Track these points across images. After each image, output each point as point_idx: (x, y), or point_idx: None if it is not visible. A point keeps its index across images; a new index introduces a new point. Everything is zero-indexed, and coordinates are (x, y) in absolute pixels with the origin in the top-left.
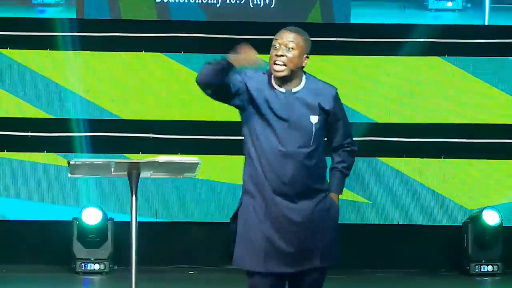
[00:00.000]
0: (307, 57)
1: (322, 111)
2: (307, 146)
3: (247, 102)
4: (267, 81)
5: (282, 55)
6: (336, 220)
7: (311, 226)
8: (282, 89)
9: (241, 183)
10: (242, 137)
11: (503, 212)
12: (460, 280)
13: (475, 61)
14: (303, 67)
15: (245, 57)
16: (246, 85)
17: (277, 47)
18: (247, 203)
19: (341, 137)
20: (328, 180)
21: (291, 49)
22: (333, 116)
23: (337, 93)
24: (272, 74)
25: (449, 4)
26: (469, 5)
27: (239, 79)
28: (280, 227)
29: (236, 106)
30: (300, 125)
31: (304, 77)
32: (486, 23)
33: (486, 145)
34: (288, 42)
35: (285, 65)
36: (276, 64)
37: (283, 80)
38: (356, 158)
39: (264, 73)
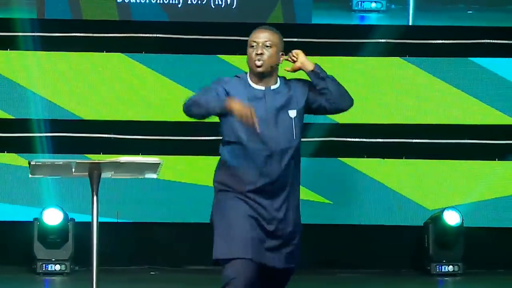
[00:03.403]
0: (283, 54)
1: (301, 102)
2: (290, 141)
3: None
4: (244, 82)
5: (261, 53)
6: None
7: (288, 225)
8: (261, 87)
9: (203, 183)
10: (214, 138)
11: (464, 212)
12: (421, 280)
13: (436, 61)
14: (278, 64)
15: (244, 114)
16: (227, 93)
17: (255, 46)
18: (224, 198)
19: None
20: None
21: (268, 47)
22: (313, 93)
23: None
24: (247, 75)
25: (373, 5)
26: (392, 6)
27: (221, 91)
28: (260, 224)
29: (217, 115)
30: (282, 121)
31: (278, 77)
32: (410, 24)
33: (447, 146)
34: (265, 40)
35: (264, 61)
36: (257, 61)
37: (262, 78)
38: (316, 158)
39: (238, 77)
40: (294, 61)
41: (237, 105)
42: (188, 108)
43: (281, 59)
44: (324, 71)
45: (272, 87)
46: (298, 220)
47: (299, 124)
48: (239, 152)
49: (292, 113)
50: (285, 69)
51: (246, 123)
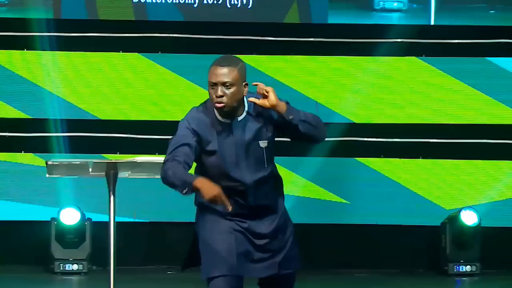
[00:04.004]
0: (246, 84)
1: (270, 129)
2: (263, 170)
3: (200, 146)
4: (211, 116)
5: (221, 95)
6: (293, 227)
7: (274, 239)
8: (228, 120)
9: None
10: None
11: (481, 212)
12: (438, 280)
13: (452, 61)
14: (244, 96)
15: (212, 194)
16: (199, 138)
17: (214, 87)
18: (207, 214)
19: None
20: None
21: (228, 87)
22: (283, 120)
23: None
24: (214, 106)
25: (395, 5)
26: (414, 5)
27: (190, 138)
28: (246, 234)
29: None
30: (251, 153)
31: (246, 103)
32: (432, 23)
33: (465, 145)
34: (224, 81)
35: (226, 102)
36: (218, 103)
37: (227, 114)
38: (333, 158)
39: (205, 106)
40: (264, 96)
41: (205, 187)
42: (164, 179)
43: (245, 91)
44: (295, 111)
45: (240, 118)
46: (287, 225)
47: (270, 150)
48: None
49: (263, 143)
50: (249, 100)
51: (215, 203)
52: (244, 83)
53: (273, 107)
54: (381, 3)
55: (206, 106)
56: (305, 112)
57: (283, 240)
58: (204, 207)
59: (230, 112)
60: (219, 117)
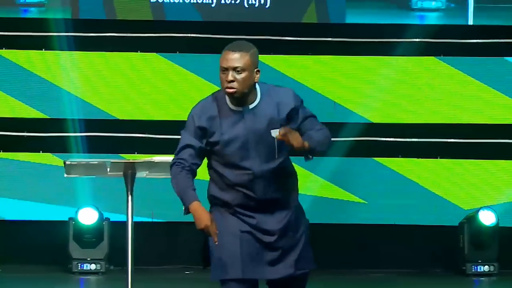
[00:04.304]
0: (258, 71)
1: (283, 120)
2: (273, 160)
3: (207, 138)
4: (221, 103)
5: (232, 80)
6: (307, 227)
7: (284, 236)
8: (239, 108)
9: None
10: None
11: (499, 212)
12: (456, 280)
13: (471, 61)
14: (255, 82)
15: (201, 226)
16: (202, 131)
17: (225, 72)
18: (217, 215)
19: (310, 128)
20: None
21: (240, 72)
22: (296, 118)
23: (294, 94)
24: (225, 94)
25: (433, 4)
26: (452, 5)
27: (193, 140)
28: (255, 234)
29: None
30: (262, 142)
31: (258, 90)
32: (470, 23)
33: (483, 145)
34: (235, 66)
35: (237, 88)
36: (228, 88)
37: (238, 100)
38: (351, 158)
39: (214, 96)
40: (287, 140)
41: (196, 216)
42: (172, 184)
43: (257, 77)
44: (315, 143)
45: (251, 105)
46: (300, 223)
47: (282, 143)
48: (220, 179)
49: (275, 133)
50: (276, 137)
51: (207, 232)
52: (256, 70)
53: (299, 149)
54: (419, 2)
55: (216, 95)
56: (319, 140)
57: (295, 238)
58: (214, 201)
59: (241, 98)
60: (230, 105)
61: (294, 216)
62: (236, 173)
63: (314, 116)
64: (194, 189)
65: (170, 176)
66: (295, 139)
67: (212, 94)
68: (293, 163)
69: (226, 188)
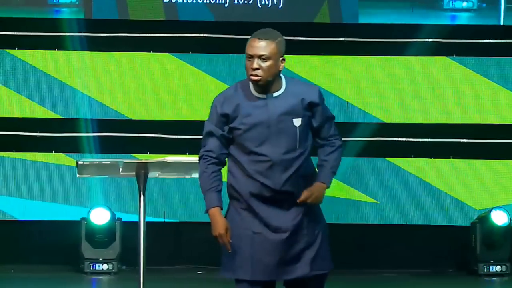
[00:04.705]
0: (283, 59)
1: (306, 111)
2: (293, 151)
3: (230, 124)
4: (245, 91)
5: (257, 68)
6: (325, 226)
7: (298, 234)
8: (263, 95)
9: None
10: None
11: None
12: (468, 280)
13: (485, 61)
14: (280, 71)
15: (216, 233)
16: (227, 118)
17: (251, 59)
18: (232, 212)
19: (325, 134)
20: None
21: (265, 60)
22: (317, 115)
23: (319, 91)
24: (250, 82)
25: (464, 4)
26: (484, 5)
27: (219, 131)
28: (267, 235)
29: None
30: (284, 130)
31: (284, 80)
32: (502, 23)
33: (495, 145)
34: (260, 54)
35: (262, 76)
36: (253, 76)
37: (262, 87)
38: (363, 158)
39: (237, 84)
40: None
41: (213, 222)
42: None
43: (281, 66)
44: (330, 175)
45: (275, 94)
46: (317, 221)
47: (305, 133)
48: (237, 168)
49: (297, 122)
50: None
51: (220, 240)
52: (281, 58)
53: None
54: (451, 2)
55: (240, 83)
56: (334, 171)
57: (311, 237)
58: (231, 193)
59: (265, 86)
60: (254, 93)
61: (310, 215)
62: (254, 160)
63: (332, 118)
64: (218, 190)
65: (188, 176)
66: (316, 199)
67: (236, 83)
68: None
69: (243, 177)
